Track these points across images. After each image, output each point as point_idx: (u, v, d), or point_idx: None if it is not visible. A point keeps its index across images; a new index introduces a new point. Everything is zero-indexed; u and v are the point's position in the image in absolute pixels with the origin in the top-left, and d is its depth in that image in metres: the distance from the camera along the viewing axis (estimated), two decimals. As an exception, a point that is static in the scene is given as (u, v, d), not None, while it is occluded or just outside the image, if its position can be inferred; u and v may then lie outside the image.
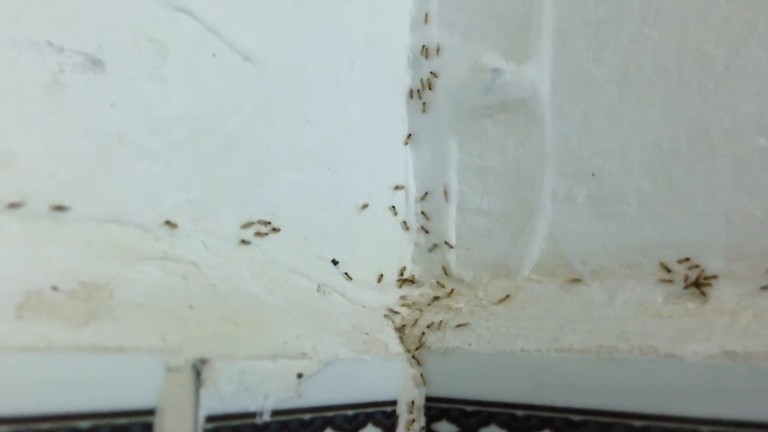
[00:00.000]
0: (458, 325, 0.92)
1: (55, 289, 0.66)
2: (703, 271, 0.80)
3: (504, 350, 0.85)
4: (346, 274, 0.94)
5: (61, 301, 0.66)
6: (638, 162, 0.86)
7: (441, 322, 0.93)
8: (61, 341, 0.64)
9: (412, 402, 0.91)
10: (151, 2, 0.77)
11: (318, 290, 0.91)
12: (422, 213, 1.04)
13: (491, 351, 0.87)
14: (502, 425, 0.84)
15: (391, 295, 1.00)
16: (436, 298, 0.98)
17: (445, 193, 1.02)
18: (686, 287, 0.80)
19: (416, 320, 0.96)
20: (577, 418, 0.78)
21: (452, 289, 0.98)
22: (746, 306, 0.75)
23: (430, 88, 1.04)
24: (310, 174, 0.93)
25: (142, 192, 0.76)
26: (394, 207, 1.03)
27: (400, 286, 1.01)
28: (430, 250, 1.03)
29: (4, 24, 0.67)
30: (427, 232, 1.03)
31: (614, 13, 0.89)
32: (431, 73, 1.04)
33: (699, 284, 0.79)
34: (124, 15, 0.75)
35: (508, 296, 0.92)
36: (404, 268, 1.03)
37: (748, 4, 0.80)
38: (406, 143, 1.05)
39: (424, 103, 1.04)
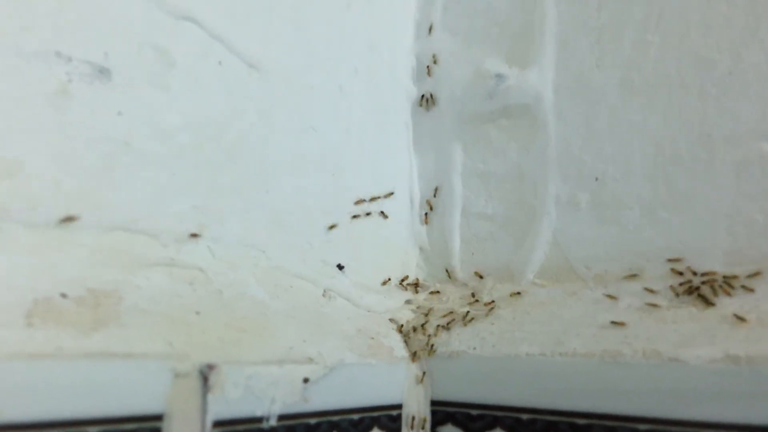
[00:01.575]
0: (462, 329, 0.92)
1: (63, 296, 0.67)
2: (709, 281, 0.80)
3: (508, 354, 0.86)
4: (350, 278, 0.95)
5: (69, 308, 0.67)
6: (640, 167, 0.86)
7: (446, 325, 0.94)
8: (70, 348, 0.64)
9: (417, 406, 0.92)
10: (156, 11, 0.77)
11: (323, 295, 0.91)
12: (426, 217, 1.05)
13: (496, 355, 0.87)
14: (507, 429, 0.84)
15: (396, 300, 1.00)
16: (441, 302, 0.99)
17: (449, 198, 1.03)
18: (689, 294, 0.80)
19: (421, 324, 0.96)
20: (581, 421, 0.78)
21: (456, 294, 0.99)
22: (749, 310, 0.75)
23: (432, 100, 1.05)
24: (314, 179, 0.93)
25: (148, 199, 0.76)
26: (398, 211, 1.03)
27: (405, 291, 1.02)
28: (435, 254, 1.03)
29: (13, 34, 0.67)
30: (431, 236, 1.04)
31: (616, 19, 0.89)
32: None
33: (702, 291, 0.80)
34: (131, 24, 0.75)
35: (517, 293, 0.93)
36: (409, 273, 1.03)
37: (749, 9, 0.80)
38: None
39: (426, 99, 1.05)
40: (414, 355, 0.93)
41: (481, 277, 0.99)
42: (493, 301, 0.94)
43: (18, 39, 0.68)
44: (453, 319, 0.94)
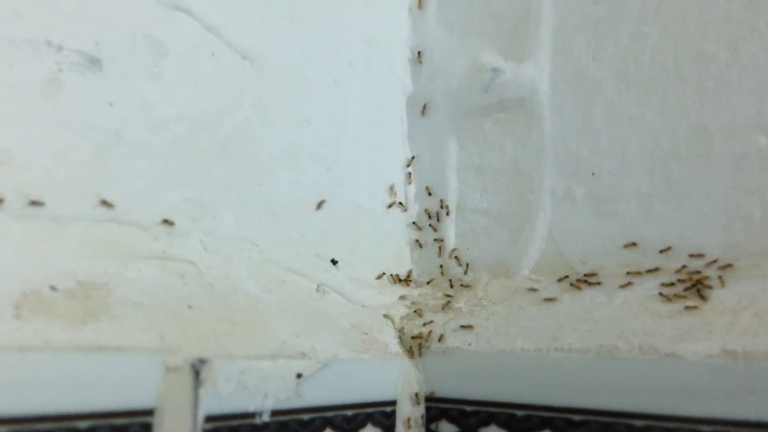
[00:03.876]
0: (458, 325, 0.91)
1: (53, 288, 0.66)
2: (706, 276, 0.80)
3: (503, 350, 0.85)
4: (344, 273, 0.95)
5: (59, 300, 0.66)
6: (637, 161, 0.86)
7: (440, 321, 0.93)
8: (59, 341, 0.63)
9: (412, 402, 0.91)
10: (149, 1, 0.77)
11: (317, 290, 0.90)
12: (421, 212, 1.04)
13: (491, 351, 0.86)
14: (501, 425, 0.83)
15: (390, 295, 0.99)
16: (436, 297, 0.98)
17: (444, 193, 1.02)
18: (686, 289, 0.80)
19: (415, 320, 0.95)
20: (577, 417, 0.78)
21: (451, 289, 0.98)
22: (746, 305, 0.75)
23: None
24: (309, 173, 0.93)
25: (140, 191, 0.76)
26: (392, 206, 1.03)
27: (400, 286, 1.01)
28: (429, 249, 1.03)
29: (3, 23, 0.67)
30: (425, 231, 1.03)
31: (613, 11, 0.89)
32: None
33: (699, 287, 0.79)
34: (123, 13, 0.75)
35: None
36: (403, 268, 1.03)
37: (747, 2, 0.80)
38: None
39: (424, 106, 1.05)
40: (408, 351, 0.93)
41: (476, 272, 0.98)
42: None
43: (7, 27, 0.67)
44: (448, 315, 0.94)
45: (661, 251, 0.83)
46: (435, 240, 1.03)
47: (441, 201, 1.02)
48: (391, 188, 1.03)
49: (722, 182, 0.80)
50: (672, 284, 0.81)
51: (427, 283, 1.02)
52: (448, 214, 1.01)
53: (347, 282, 0.94)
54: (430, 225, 1.03)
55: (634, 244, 0.85)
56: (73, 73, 0.71)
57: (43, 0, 0.70)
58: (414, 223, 1.04)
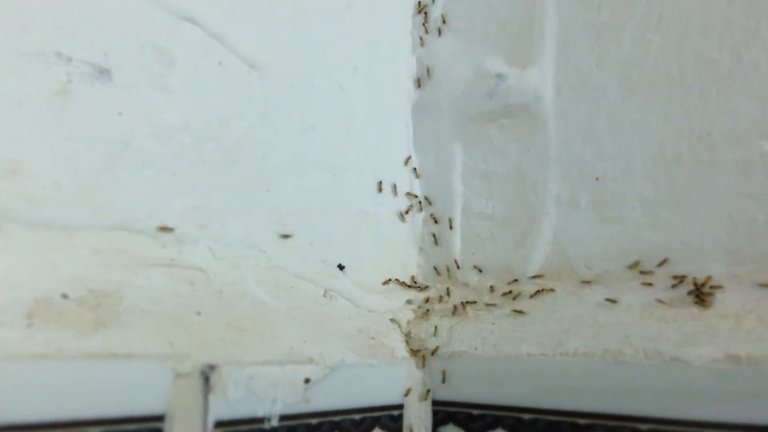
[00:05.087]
0: (464, 329, 0.92)
1: (64, 296, 0.67)
2: (709, 278, 0.80)
3: (509, 354, 0.86)
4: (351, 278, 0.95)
5: (70, 308, 0.67)
6: (641, 166, 0.86)
7: (446, 325, 0.94)
8: (71, 348, 0.64)
9: (419, 406, 0.92)
10: (157, 12, 0.77)
11: (324, 295, 0.91)
12: (427, 217, 1.05)
13: (497, 355, 0.87)
14: (508, 429, 0.84)
15: (397, 300, 1.00)
16: (442, 302, 0.99)
17: (449, 198, 1.03)
18: (689, 293, 0.80)
19: (422, 324, 0.96)
20: (583, 421, 0.78)
21: (457, 294, 0.99)
22: (750, 310, 0.75)
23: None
24: (315, 179, 0.93)
25: (149, 199, 0.76)
26: (399, 212, 1.03)
27: (406, 291, 1.02)
28: (435, 254, 1.03)
29: (14, 35, 0.68)
30: (431, 236, 1.04)
31: (616, 18, 0.89)
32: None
33: (701, 293, 0.79)
34: (131, 25, 0.76)
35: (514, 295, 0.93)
36: (409, 273, 1.03)
37: (749, 9, 0.80)
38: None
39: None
40: (415, 355, 0.93)
41: (481, 277, 0.98)
42: (495, 304, 0.94)
43: (18, 39, 0.68)
44: (454, 319, 0.94)
45: (665, 256, 0.84)
46: (441, 245, 1.03)
47: (446, 208, 1.03)
48: (397, 194, 1.03)
49: (726, 188, 0.80)
50: (676, 288, 0.81)
51: (433, 287, 1.02)
52: (451, 228, 1.02)
53: (354, 287, 0.95)
54: (435, 230, 1.04)
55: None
56: (82, 83, 0.72)
57: (52, 12, 0.70)
58: (420, 228, 1.05)
